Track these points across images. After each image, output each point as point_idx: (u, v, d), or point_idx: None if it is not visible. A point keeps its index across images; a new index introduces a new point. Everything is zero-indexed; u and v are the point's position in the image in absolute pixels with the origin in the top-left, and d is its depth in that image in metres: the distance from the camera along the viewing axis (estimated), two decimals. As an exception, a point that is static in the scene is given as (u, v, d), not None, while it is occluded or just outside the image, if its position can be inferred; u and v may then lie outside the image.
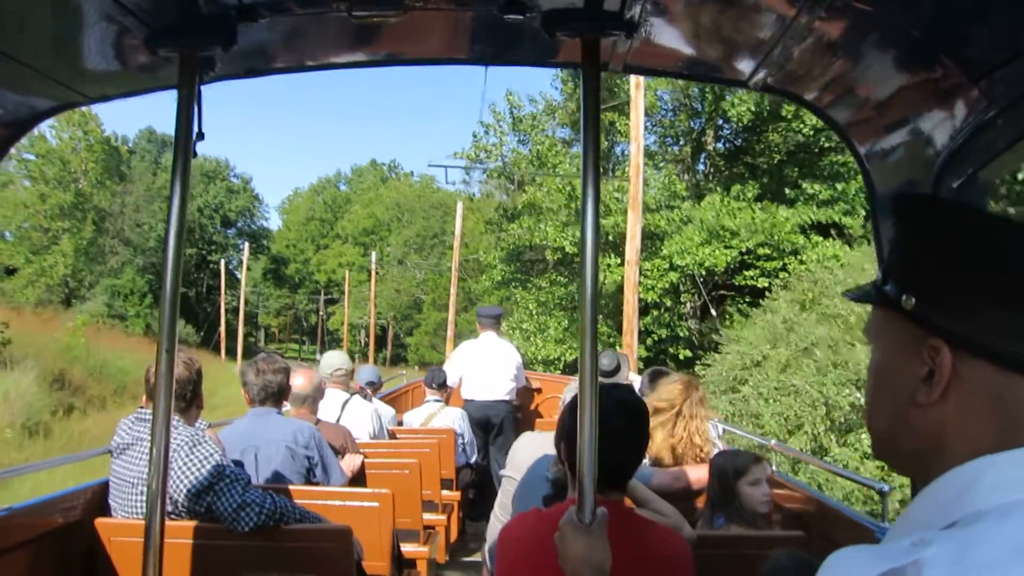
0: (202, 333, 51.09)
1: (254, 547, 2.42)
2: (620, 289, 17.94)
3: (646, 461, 3.21)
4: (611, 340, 17.13)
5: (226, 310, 57.44)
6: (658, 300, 18.22)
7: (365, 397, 5.02)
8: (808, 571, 0.66)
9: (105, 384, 21.63)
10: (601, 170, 1.60)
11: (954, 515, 0.63)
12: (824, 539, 2.69)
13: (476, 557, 5.13)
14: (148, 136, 66.13)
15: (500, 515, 2.96)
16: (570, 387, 3.92)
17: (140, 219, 54.66)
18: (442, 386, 5.89)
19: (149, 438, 1.90)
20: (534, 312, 20.48)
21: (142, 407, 2.62)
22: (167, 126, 70.27)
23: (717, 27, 1.56)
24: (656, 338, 18.33)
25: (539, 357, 19.64)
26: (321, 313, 64.98)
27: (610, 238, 18.20)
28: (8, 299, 41.61)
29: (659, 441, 3.16)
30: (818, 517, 2.82)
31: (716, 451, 3.21)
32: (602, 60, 1.58)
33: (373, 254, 44.19)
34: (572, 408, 1.88)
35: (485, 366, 6.16)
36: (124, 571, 2.44)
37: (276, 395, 3.26)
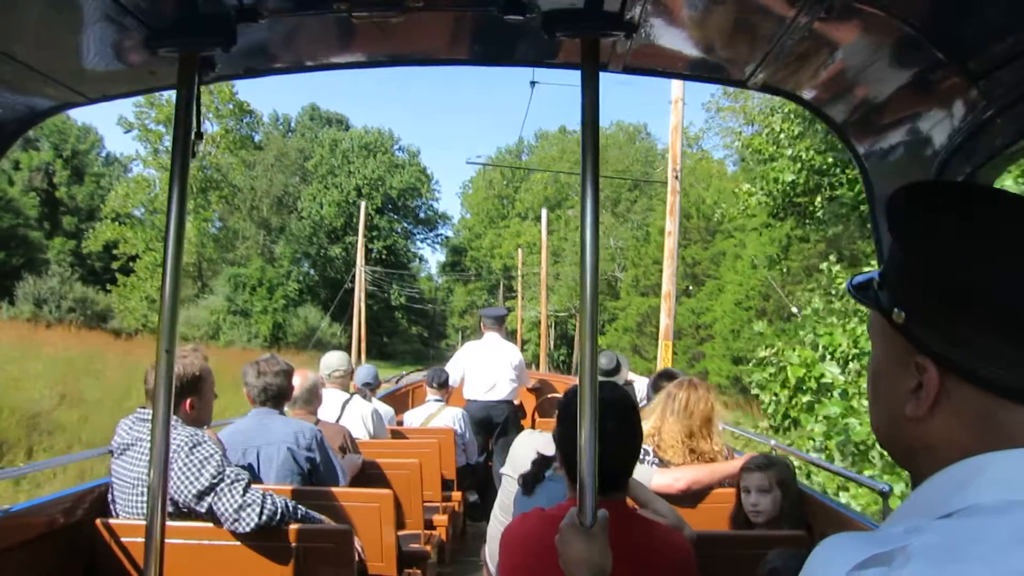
0: (347, 331, 38.68)
1: (254, 547, 2.42)
2: None
3: (654, 460, 3.21)
4: None
5: (388, 305, 47.19)
6: None
7: (364, 397, 5.02)
8: None
9: None
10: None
11: (950, 507, 0.63)
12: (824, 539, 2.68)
13: (477, 558, 5.13)
14: (311, 113, 57.28)
15: (500, 515, 2.95)
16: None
17: (286, 200, 46.40)
18: (443, 386, 5.88)
19: (149, 438, 1.90)
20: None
21: (143, 407, 2.62)
22: (331, 102, 61.15)
23: (717, 27, 1.56)
24: None
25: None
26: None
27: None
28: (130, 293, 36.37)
29: (670, 441, 3.16)
30: (818, 517, 2.81)
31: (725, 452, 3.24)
32: (602, 60, 1.58)
33: (544, 213, 28.75)
34: (563, 414, 1.90)
35: (487, 366, 6.17)
36: (125, 571, 2.44)
37: (276, 397, 3.26)
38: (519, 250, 39.22)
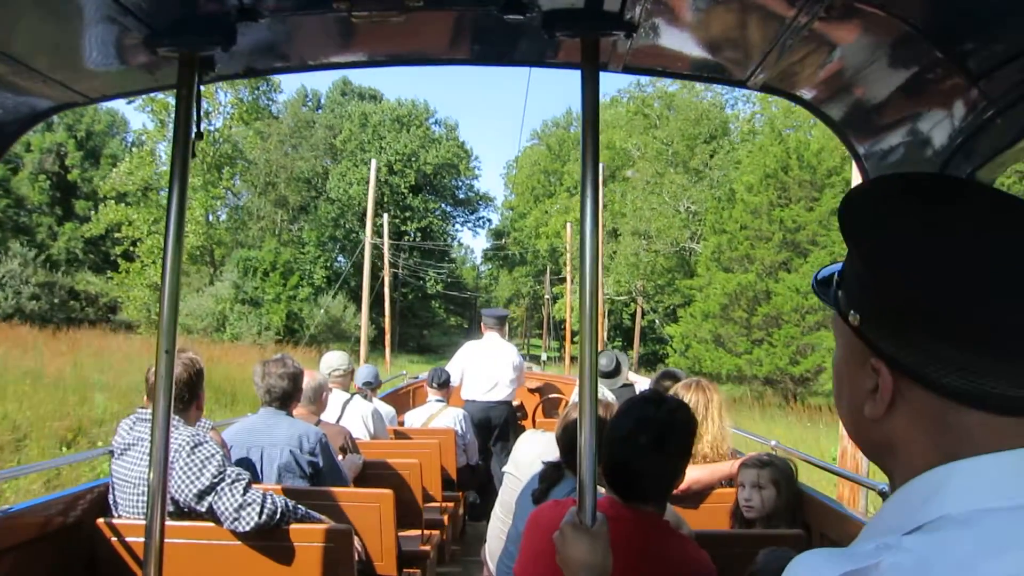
0: (375, 323, 31.97)
1: (254, 547, 2.43)
2: None
3: None
4: None
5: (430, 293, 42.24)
6: None
7: (365, 397, 5.02)
8: None
9: None
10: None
11: (919, 520, 0.63)
12: (824, 539, 2.69)
13: (477, 557, 5.13)
14: (342, 87, 52.41)
15: (501, 514, 2.95)
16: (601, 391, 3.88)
17: (315, 181, 42.03)
18: (443, 385, 5.87)
19: (149, 438, 1.90)
20: None
21: (143, 407, 2.62)
22: (363, 78, 54.18)
23: (717, 27, 1.56)
24: None
25: None
26: (547, 296, 43.84)
27: None
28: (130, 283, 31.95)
29: None
30: (818, 517, 2.82)
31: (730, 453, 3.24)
32: (602, 60, 1.58)
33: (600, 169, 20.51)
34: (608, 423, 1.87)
35: (487, 367, 6.16)
36: (125, 571, 2.44)
37: (281, 398, 3.25)
38: (567, 226, 32.60)
